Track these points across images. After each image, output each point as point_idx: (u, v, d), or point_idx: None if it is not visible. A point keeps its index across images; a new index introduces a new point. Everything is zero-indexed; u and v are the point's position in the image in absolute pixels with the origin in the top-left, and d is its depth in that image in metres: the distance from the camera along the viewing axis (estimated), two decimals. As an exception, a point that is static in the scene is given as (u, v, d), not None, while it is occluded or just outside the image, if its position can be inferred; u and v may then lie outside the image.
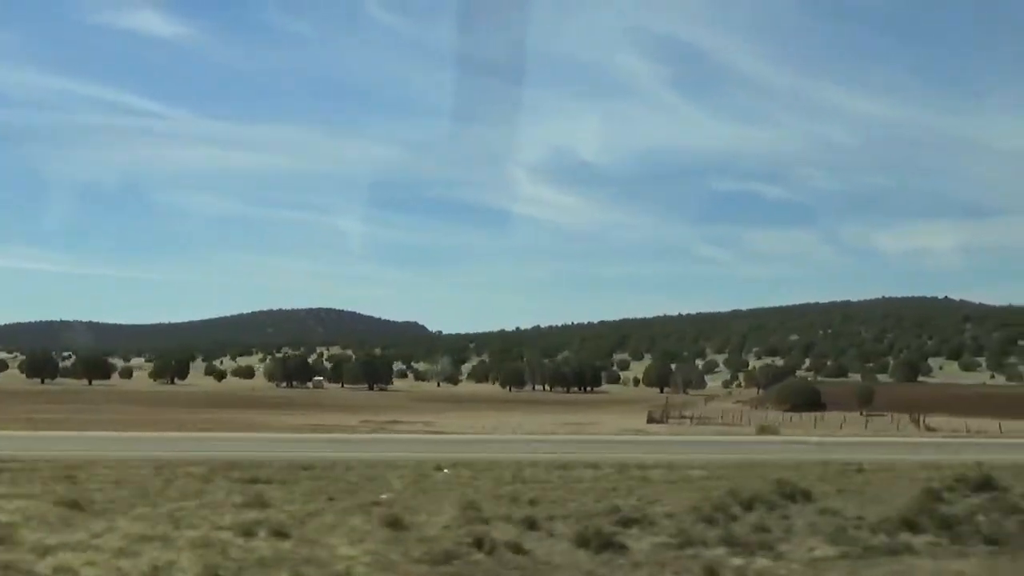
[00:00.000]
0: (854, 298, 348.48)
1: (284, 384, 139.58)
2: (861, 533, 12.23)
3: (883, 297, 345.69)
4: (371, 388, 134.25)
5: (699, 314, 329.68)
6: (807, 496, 15.24)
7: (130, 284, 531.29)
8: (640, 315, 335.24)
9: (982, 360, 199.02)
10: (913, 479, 19.93)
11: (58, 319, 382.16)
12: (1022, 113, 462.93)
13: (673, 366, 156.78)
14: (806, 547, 11.35)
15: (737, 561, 10.44)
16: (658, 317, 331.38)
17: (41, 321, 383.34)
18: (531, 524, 11.99)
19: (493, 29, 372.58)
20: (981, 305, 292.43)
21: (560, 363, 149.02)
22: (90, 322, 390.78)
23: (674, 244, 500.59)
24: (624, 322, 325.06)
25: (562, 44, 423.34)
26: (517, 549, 10.55)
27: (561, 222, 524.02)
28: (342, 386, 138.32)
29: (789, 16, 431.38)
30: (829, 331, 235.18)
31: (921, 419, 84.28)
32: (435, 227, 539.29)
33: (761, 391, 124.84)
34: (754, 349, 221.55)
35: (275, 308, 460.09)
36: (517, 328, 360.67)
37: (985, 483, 17.10)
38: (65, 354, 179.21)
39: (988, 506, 14.68)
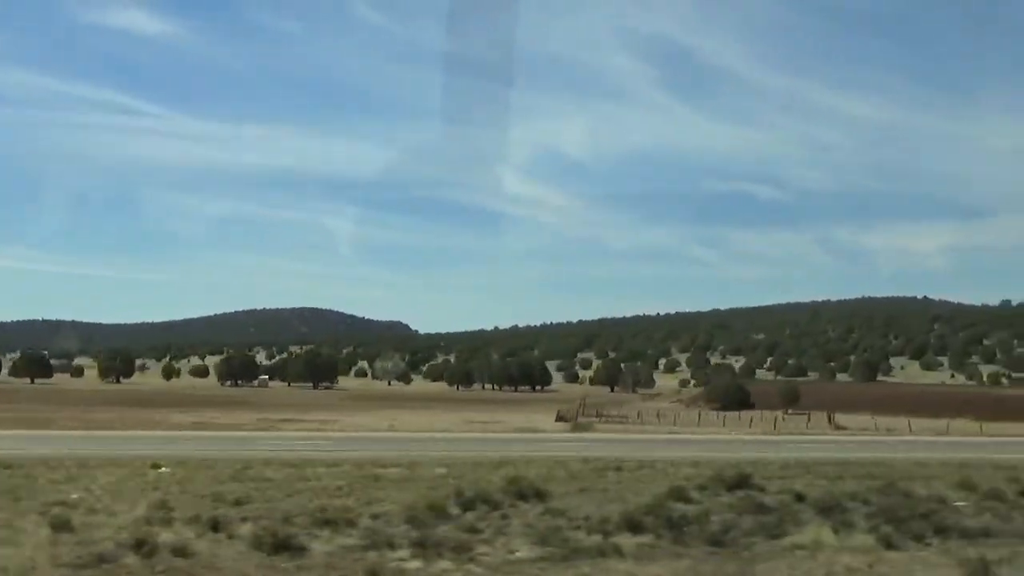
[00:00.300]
0: (835, 298, 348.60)
1: (230, 383, 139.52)
2: (577, 534, 11.85)
3: (863, 297, 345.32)
4: (315, 387, 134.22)
5: (677, 313, 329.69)
6: (541, 495, 15.01)
7: (114, 284, 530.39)
8: (622, 315, 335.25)
9: (945, 360, 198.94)
10: (673, 477, 19.75)
11: (40, 318, 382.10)
12: (1014, 114, 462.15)
13: (623, 365, 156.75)
14: (507, 549, 11.01)
15: (415, 564, 10.07)
16: (636, 316, 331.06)
17: (26, 320, 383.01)
18: (215, 525, 11.55)
19: (481, 29, 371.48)
20: (959, 305, 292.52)
21: (509, 363, 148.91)
22: (74, 322, 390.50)
23: (663, 245, 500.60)
24: (602, 321, 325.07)
25: (551, 45, 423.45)
26: (183, 551, 10.07)
27: (550, 223, 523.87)
28: (288, 384, 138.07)
29: (780, 16, 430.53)
30: (795, 331, 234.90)
31: (831, 417, 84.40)
32: (424, 228, 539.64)
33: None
34: (720, 348, 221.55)
35: (259, 308, 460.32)
36: (496, 327, 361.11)
37: (741, 481, 16.82)
38: (9, 355, 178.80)
39: (736, 505, 14.39)
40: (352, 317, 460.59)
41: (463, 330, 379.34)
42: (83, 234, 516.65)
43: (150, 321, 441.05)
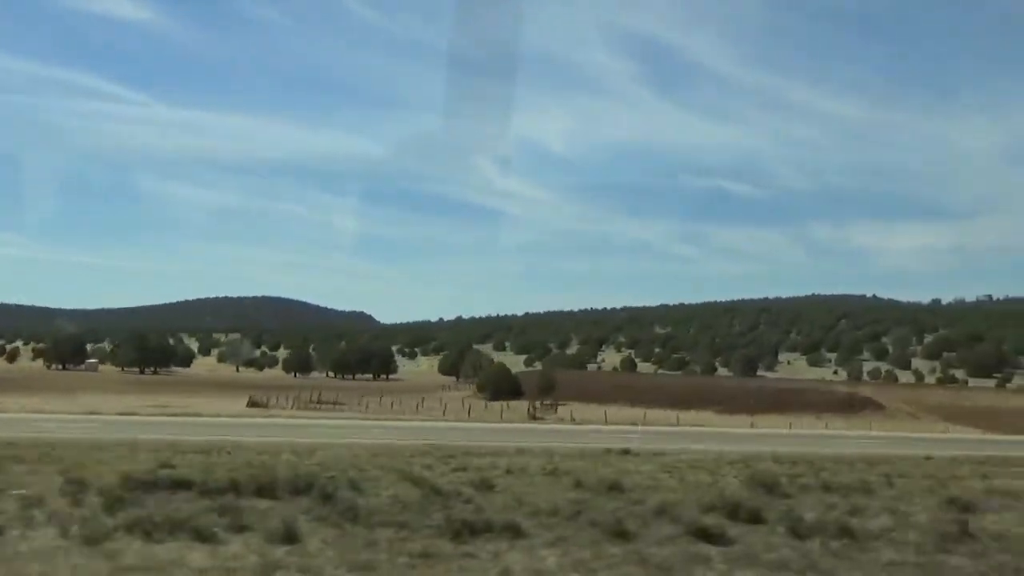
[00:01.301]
0: (788, 295, 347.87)
1: (59, 367, 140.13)
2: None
3: (812, 294, 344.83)
4: (142, 372, 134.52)
5: (624, 308, 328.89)
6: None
7: (85, 270, 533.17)
8: (575, 308, 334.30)
9: (833, 356, 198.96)
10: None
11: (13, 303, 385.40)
12: (991, 112, 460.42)
13: (467, 355, 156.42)
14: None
15: None
16: (586, 310, 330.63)
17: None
18: None
19: (465, 23, 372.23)
20: (898, 303, 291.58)
21: (344, 351, 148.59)
22: (33, 306, 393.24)
23: (644, 240, 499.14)
24: (550, 314, 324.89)
25: (537, 41, 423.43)
26: None
27: (532, 217, 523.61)
28: (123, 369, 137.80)
29: (761, 15, 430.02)
30: (705, 326, 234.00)
31: (532, 407, 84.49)
32: (405, 220, 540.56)
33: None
34: (618, 341, 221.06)
35: (220, 296, 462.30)
36: (458, 318, 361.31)
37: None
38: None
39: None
40: (314, 307, 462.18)
41: (422, 320, 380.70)
42: (62, 221, 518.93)
43: (108, 307, 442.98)
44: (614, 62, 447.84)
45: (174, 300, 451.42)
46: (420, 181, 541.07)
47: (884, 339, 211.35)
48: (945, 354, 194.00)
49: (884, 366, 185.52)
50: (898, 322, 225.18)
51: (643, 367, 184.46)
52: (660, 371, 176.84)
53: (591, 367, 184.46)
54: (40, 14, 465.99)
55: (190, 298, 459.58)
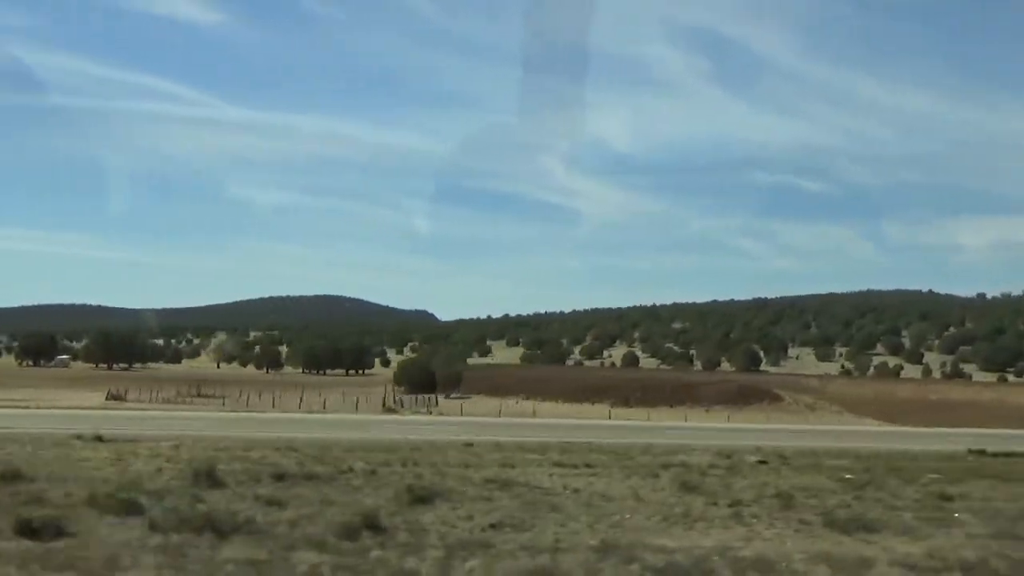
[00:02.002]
0: (843, 290, 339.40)
1: (30, 363, 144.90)
2: None
3: (868, 290, 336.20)
4: (109, 367, 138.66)
5: (672, 304, 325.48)
6: None
7: (154, 270, 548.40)
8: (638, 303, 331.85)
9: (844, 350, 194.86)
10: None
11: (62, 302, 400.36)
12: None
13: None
14: None
15: None
16: (619, 308, 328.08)
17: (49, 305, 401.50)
18: None
19: (530, 21, 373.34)
20: (940, 296, 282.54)
21: (316, 347, 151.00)
22: (100, 305, 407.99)
23: (708, 236, 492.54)
24: (593, 312, 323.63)
25: (597, 37, 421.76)
26: None
27: (596, 213, 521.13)
28: (96, 366, 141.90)
29: (826, 7, 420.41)
30: (716, 321, 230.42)
31: (433, 400, 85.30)
32: (468, 218, 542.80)
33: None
34: (635, 337, 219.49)
35: (280, 295, 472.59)
36: (518, 315, 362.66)
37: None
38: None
39: None
40: (376, 306, 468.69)
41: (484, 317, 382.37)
42: (134, 221, 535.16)
43: (175, 307, 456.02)
44: (678, 57, 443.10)
45: (237, 299, 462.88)
46: (485, 179, 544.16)
47: (904, 334, 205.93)
48: (962, 348, 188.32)
49: (895, 360, 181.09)
50: (924, 316, 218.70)
51: (649, 362, 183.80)
52: (662, 366, 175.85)
53: (592, 363, 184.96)
54: (109, 18, 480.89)
55: (253, 297, 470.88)
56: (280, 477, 15.86)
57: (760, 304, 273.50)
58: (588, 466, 22.53)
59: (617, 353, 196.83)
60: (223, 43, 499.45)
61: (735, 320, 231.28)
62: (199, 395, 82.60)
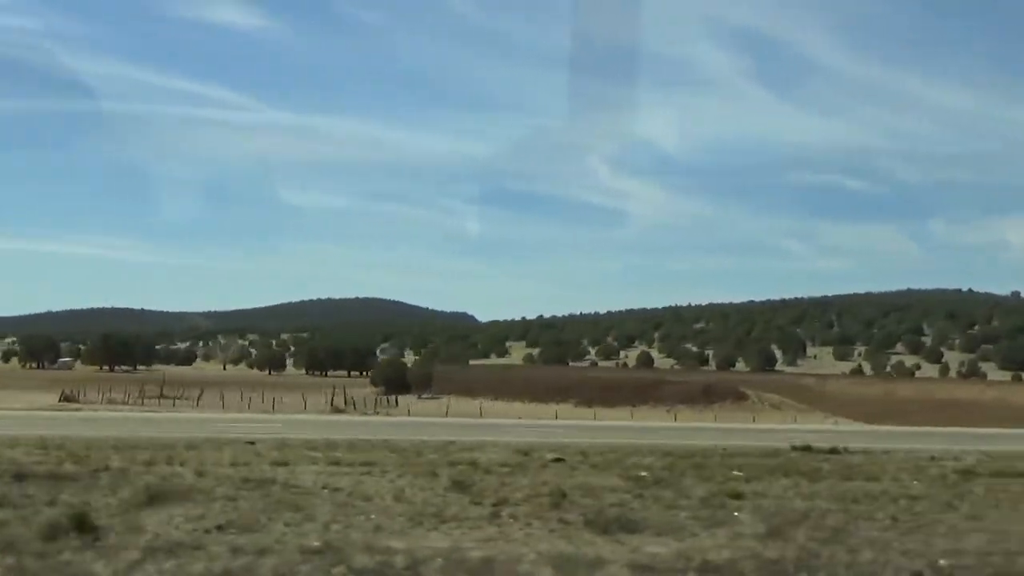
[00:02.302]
0: (880, 289, 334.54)
1: (34, 365, 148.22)
2: None
3: (907, 289, 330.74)
4: (111, 369, 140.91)
5: (708, 304, 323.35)
6: None
7: (200, 273, 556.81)
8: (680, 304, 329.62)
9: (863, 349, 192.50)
10: None
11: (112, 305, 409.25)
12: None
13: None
14: None
15: None
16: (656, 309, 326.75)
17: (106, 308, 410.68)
18: None
19: (574, 22, 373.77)
20: (997, 296, 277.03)
21: (318, 348, 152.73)
22: (139, 309, 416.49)
23: (752, 237, 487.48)
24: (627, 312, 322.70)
25: (640, 36, 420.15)
26: None
27: (640, 214, 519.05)
28: (100, 368, 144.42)
29: (870, 5, 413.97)
30: (737, 320, 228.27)
31: (391, 400, 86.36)
32: (510, 219, 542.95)
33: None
34: (655, 337, 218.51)
35: (322, 297, 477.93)
36: (554, 316, 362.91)
37: None
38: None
39: None
40: (415, 308, 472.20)
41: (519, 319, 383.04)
42: (179, 226, 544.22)
43: (207, 310, 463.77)
44: (722, 57, 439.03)
45: (280, 302, 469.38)
46: (528, 181, 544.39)
47: (928, 332, 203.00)
48: (983, 347, 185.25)
49: (914, 359, 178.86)
50: (951, 315, 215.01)
51: (665, 363, 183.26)
52: (675, 366, 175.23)
53: (608, 363, 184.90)
54: (153, 23, 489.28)
55: (293, 300, 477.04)
56: (20, 476, 15.04)
57: (783, 304, 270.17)
58: (366, 464, 22.87)
59: (634, 354, 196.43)
60: (264, 47, 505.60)
61: (756, 319, 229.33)
62: (162, 396, 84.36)
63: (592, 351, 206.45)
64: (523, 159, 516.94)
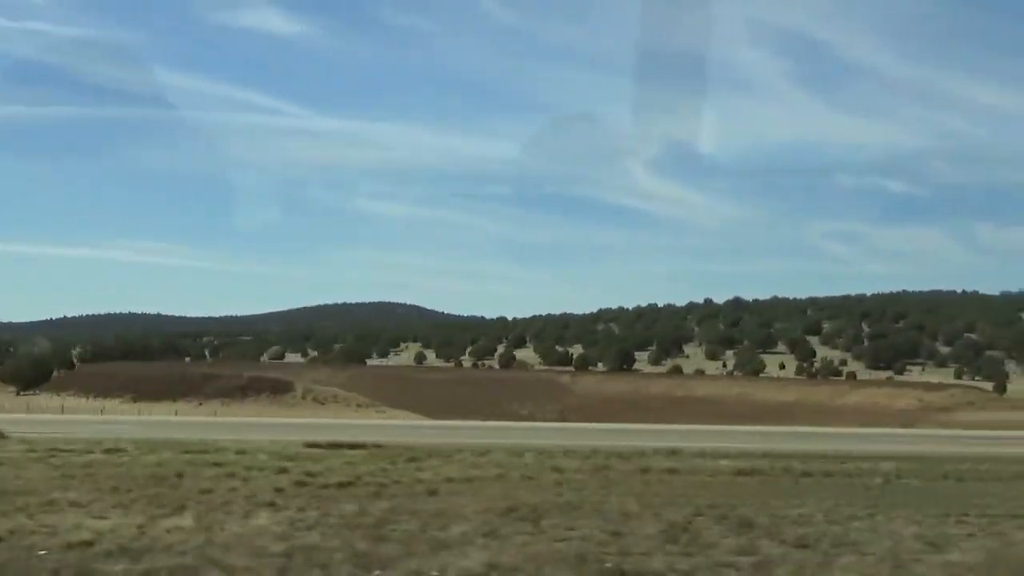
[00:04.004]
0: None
1: None
2: None
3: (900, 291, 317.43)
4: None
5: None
6: None
7: (228, 277, 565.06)
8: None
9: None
10: None
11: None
12: None
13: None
14: None
15: None
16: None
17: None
18: None
19: (606, 23, 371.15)
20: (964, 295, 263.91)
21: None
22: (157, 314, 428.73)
23: (795, 240, 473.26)
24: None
25: (679, 38, 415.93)
26: None
27: (679, 217, 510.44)
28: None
29: (913, 5, 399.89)
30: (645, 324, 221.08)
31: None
32: (547, 223, 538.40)
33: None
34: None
35: (338, 302, 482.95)
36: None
37: None
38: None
39: None
40: (432, 312, 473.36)
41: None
42: (208, 229, 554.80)
43: (234, 315, 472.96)
44: (763, 59, 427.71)
45: (298, 306, 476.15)
46: (565, 184, 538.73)
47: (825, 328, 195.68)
48: (863, 346, 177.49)
49: (783, 359, 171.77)
50: (866, 315, 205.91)
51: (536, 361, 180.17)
52: (540, 366, 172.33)
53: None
54: (194, 30, 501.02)
55: (311, 304, 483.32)
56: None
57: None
58: None
59: (524, 354, 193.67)
60: (307, 54, 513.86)
61: (665, 320, 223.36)
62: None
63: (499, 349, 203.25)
64: (563, 162, 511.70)
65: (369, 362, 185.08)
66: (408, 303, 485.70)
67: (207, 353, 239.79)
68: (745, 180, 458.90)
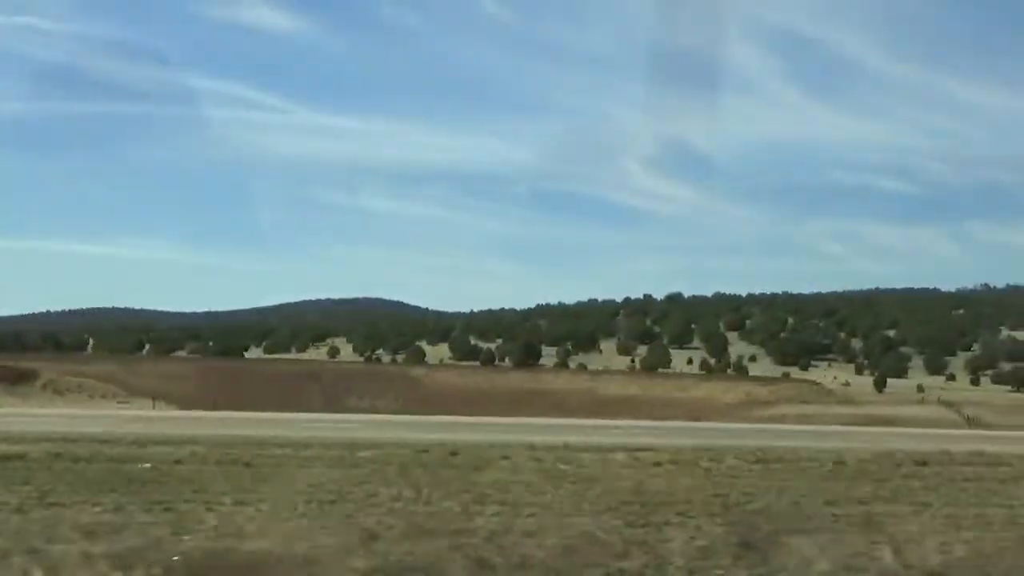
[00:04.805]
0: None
1: None
2: None
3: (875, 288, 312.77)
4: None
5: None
6: None
7: (211, 272, 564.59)
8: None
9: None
10: None
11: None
12: None
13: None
14: None
15: None
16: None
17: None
18: None
19: (602, 22, 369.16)
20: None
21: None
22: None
23: (789, 238, 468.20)
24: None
25: (675, 37, 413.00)
26: None
27: (675, 216, 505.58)
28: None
29: (907, 5, 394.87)
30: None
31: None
32: (546, 222, 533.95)
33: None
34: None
35: (323, 297, 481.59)
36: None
37: None
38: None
39: None
40: (415, 308, 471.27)
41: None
42: (203, 226, 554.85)
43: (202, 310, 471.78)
44: (758, 58, 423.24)
45: (282, 302, 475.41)
46: (564, 182, 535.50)
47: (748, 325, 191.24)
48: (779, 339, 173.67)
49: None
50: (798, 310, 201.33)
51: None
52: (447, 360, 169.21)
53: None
54: (190, 26, 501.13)
55: (292, 300, 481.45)
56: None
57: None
58: None
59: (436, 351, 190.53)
60: (303, 50, 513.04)
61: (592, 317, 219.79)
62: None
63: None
64: (560, 161, 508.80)
65: (249, 355, 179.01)
66: (394, 300, 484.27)
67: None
68: (744, 179, 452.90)
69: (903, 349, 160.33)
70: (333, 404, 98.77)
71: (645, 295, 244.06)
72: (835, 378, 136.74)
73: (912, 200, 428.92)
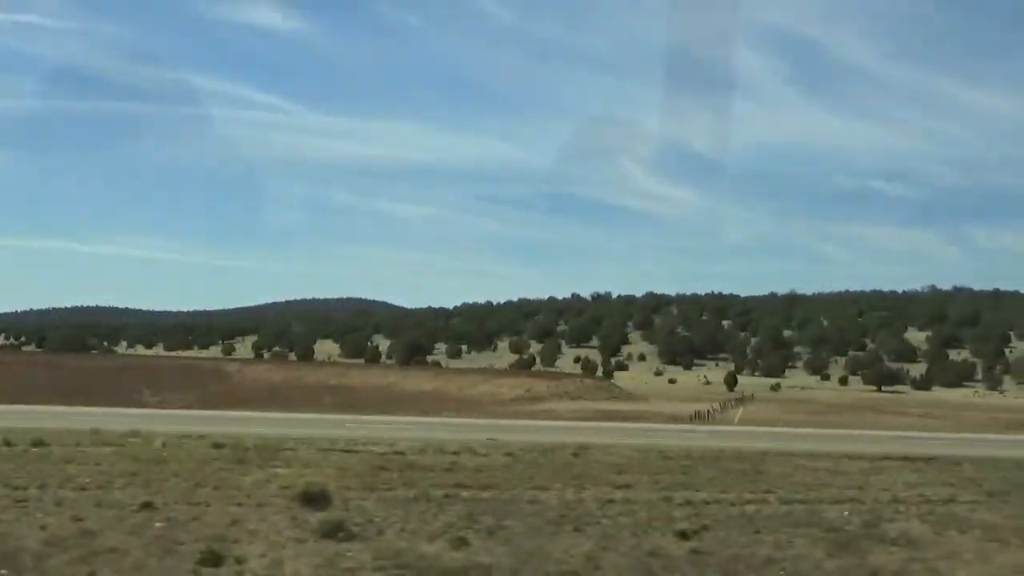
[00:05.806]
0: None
1: None
2: None
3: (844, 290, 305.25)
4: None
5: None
6: None
7: (204, 271, 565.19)
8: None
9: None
10: None
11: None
12: None
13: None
14: None
15: None
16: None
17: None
18: None
19: (600, 23, 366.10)
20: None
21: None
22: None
23: (789, 241, 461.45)
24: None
25: (674, 39, 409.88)
26: None
27: (675, 218, 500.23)
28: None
29: (909, 8, 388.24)
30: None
31: None
32: (545, 222, 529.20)
33: None
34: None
35: (308, 297, 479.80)
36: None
37: None
38: None
39: None
40: (397, 307, 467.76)
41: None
42: (196, 221, 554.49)
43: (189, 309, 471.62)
44: (758, 60, 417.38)
45: (268, 301, 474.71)
46: (568, 184, 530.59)
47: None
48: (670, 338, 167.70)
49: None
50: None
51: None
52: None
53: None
54: (191, 25, 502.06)
55: (279, 300, 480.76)
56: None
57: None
58: None
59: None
60: (304, 50, 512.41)
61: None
62: None
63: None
64: (563, 162, 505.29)
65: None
66: (378, 300, 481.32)
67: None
68: (739, 181, 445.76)
69: (796, 349, 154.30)
70: (120, 398, 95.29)
71: (573, 294, 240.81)
72: (701, 377, 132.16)
73: (911, 203, 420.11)
